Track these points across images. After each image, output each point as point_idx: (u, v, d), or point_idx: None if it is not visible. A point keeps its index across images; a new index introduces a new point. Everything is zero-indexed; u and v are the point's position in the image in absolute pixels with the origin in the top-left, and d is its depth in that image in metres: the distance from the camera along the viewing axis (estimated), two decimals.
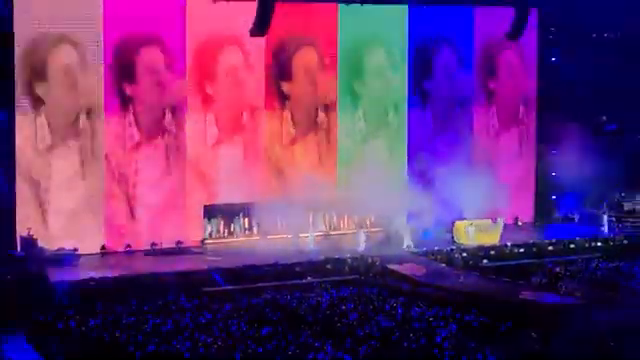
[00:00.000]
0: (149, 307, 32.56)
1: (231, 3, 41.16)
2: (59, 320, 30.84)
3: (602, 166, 44.76)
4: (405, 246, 41.36)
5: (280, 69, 43.11)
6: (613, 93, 50.80)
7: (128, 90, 40.44)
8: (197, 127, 41.85)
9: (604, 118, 54.86)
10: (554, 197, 48.19)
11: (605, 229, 45.08)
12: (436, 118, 46.61)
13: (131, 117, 40.60)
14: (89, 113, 39.82)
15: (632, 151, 49.95)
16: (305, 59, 43.57)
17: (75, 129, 39.70)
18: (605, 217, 45.63)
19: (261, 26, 41.16)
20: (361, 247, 40.79)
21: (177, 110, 41.40)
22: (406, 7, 45.14)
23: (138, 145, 40.82)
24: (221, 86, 42.21)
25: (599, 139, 49.95)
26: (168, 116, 41.20)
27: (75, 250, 38.81)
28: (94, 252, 39.72)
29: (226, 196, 42.32)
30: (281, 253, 39.22)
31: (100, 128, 40.04)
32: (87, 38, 39.51)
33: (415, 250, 41.01)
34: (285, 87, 43.35)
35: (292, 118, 43.67)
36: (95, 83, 39.74)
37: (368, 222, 44.37)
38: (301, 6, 42.90)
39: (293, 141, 43.79)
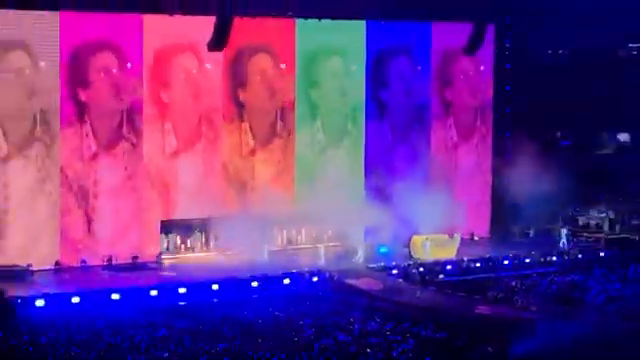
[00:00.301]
0: (104, 323, 32.31)
1: (189, 16, 41.06)
2: (13, 337, 30.52)
3: (557, 181, 45.08)
4: (360, 261, 41.36)
5: (236, 76, 43.11)
6: (568, 109, 51.27)
7: (83, 97, 40.21)
8: (154, 137, 41.71)
9: (559, 134, 55.33)
10: (510, 212, 48.42)
11: (564, 243, 45.37)
12: (394, 130, 46.75)
13: (88, 127, 40.37)
14: (44, 122, 39.52)
15: (586, 166, 50.37)
16: (260, 65, 43.56)
17: (31, 138, 39.43)
18: (564, 231, 45.94)
19: (219, 41, 41.11)
20: (321, 261, 40.77)
21: (133, 120, 41.21)
22: (364, 21, 45.36)
23: (94, 156, 40.58)
24: (177, 94, 42.10)
25: (554, 154, 50.36)
26: (125, 126, 40.99)
27: (29, 266, 38.45)
28: (48, 268, 39.36)
29: (184, 210, 42.17)
30: (238, 268, 39.08)
31: (56, 138, 39.81)
32: (43, 45, 39.33)
33: (372, 265, 41.04)
34: (241, 95, 43.32)
35: (250, 128, 43.64)
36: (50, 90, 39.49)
37: (325, 237, 44.35)
38: (259, 19, 42.90)
39: (252, 152, 43.72)
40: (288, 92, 44.14)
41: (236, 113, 43.26)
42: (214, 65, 42.48)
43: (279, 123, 44.15)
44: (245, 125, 43.48)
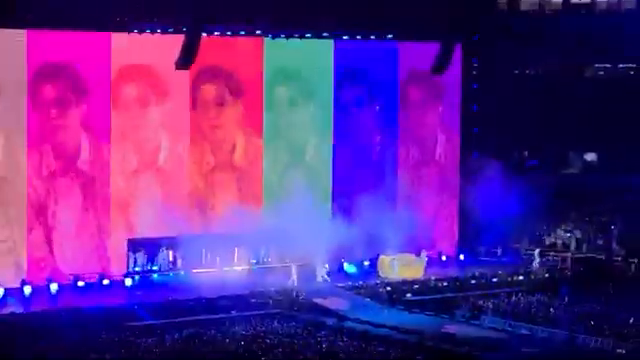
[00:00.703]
0: (71, 342, 32.10)
1: (157, 36, 41.02)
2: None
3: (524, 201, 45.29)
4: (321, 280, 41.26)
5: (196, 99, 43.09)
6: (535, 129, 51.53)
7: (47, 117, 40.10)
8: (117, 157, 41.61)
9: (526, 153, 55.61)
10: (477, 231, 48.58)
11: (537, 264, 45.54)
12: (360, 150, 46.81)
13: (49, 147, 40.20)
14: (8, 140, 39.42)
15: (553, 186, 50.59)
16: (219, 90, 43.59)
17: None
18: (537, 252, 46.10)
19: (186, 60, 41.05)
20: (293, 280, 40.70)
21: (97, 140, 41.11)
22: (332, 44, 45.44)
23: (55, 175, 40.42)
24: (139, 115, 42.04)
25: (521, 174, 50.58)
26: (87, 146, 40.89)
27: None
28: (14, 286, 39.09)
29: (149, 229, 42.06)
30: (205, 287, 38.97)
31: (22, 157, 39.62)
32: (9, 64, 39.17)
33: (340, 284, 41.01)
34: (203, 117, 43.31)
35: (211, 150, 43.60)
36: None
37: (291, 256, 44.21)
38: (228, 39, 42.92)
39: (213, 171, 43.69)
40: (250, 116, 44.12)
41: (200, 134, 43.17)
42: (179, 87, 42.42)
43: (240, 149, 44.04)
44: (207, 145, 43.39)
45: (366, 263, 43.70)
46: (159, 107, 42.33)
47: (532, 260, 45.82)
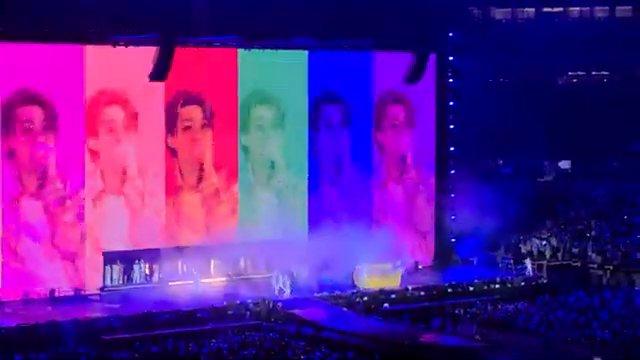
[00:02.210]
0: (47, 356, 31.95)
1: (131, 51, 40.89)
2: None
3: (499, 209, 45.44)
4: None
5: (169, 124, 43.05)
6: (509, 137, 51.78)
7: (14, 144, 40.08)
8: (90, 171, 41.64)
9: (500, 162, 55.85)
10: (453, 240, 48.70)
11: (529, 272, 45.68)
12: (336, 162, 46.85)
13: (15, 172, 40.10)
14: None
15: (528, 194, 50.80)
16: (191, 114, 43.54)
17: None
18: (528, 261, 46.25)
19: (160, 71, 40.97)
20: (286, 292, 40.73)
21: (70, 156, 41.11)
22: (305, 61, 45.43)
23: (30, 194, 40.36)
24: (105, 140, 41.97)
25: (496, 182, 50.77)
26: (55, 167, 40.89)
27: None
28: None
29: (125, 242, 41.97)
30: (182, 299, 38.87)
31: None
32: None
33: (317, 294, 40.99)
34: (171, 142, 43.29)
35: (180, 172, 43.57)
36: None
37: (265, 267, 44.16)
38: (202, 56, 42.86)
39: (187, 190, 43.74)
40: (225, 140, 44.13)
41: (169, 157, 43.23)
42: (154, 109, 42.51)
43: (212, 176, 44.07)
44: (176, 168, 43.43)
45: (342, 274, 43.58)
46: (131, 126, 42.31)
47: (525, 268, 45.87)
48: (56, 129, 40.64)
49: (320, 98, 46.26)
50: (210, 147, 43.95)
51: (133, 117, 42.16)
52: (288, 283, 41.26)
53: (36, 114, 40.28)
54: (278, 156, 45.59)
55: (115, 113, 41.91)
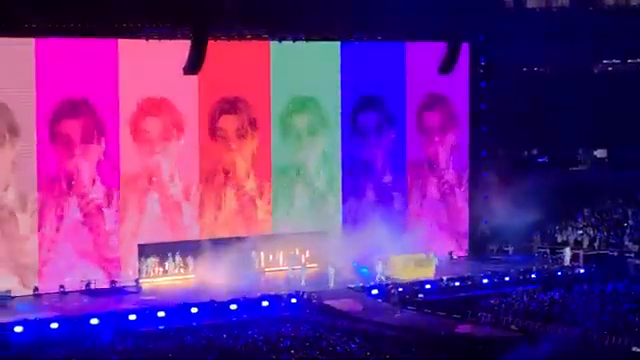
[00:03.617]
0: (83, 348, 32.10)
1: (164, 45, 40.97)
2: None
3: (534, 198, 45.18)
4: (331, 283, 41.20)
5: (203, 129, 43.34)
6: (544, 126, 51.45)
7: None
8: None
9: (535, 151, 55.50)
10: (488, 230, 48.45)
11: (567, 259, 45.45)
12: (370, 152, 46.77)
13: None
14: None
15: (564, 183, 50.51)
16: (227, 124, 43.76)
17: None
18: (567, 250, 46.00)
19: (194, 65, 40.93)
20: (301, 283, 40.67)
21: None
22: (338, 53, 45.37)
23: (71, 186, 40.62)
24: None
25: (531, 172, 50.49)
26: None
27: (8, 292, 38.25)
28: (27, 293, 39.15)
29: (161, 235, 42.14)
30: (217, 291, 38.96)
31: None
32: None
33: (351, 285, 40.95)
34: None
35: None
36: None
37: (303, 259, 44.27)
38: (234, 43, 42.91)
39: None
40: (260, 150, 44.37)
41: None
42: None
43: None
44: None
45: (377, 264, 43.50)
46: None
47: (562, 257, 45.63)
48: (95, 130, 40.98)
49: (354, 98, 46.13)
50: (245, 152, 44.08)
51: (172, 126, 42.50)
52: (331, 274, 41.26)
53: (76, 118, 40.60)
54: (313, 157, 45.53)
55: (152, 124, 42.16)
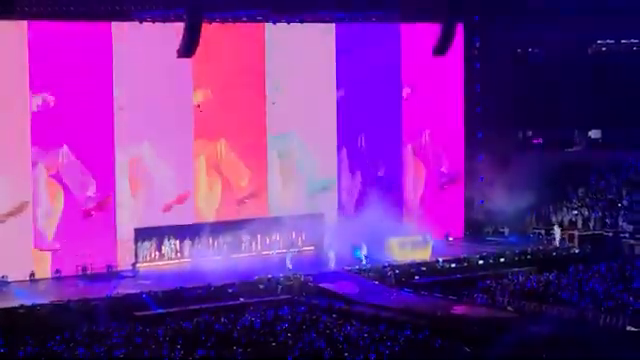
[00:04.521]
0: (80, 333, 32.13)
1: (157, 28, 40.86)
2: None
3: (529, 180, 45.21)
4: (332, 265, 41.24)
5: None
6: (538, 107, 51.40)
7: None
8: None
9: (530, 133, 55.49)
10: (483, 212, 48.50)
11: (559, 241, 45.51)
12: (366, 138, 46.75)
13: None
14: None
15: (558, 164, 50.53)
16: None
17: None
18: (557, 229, 46.04)
19: (188, 47, 40.80)
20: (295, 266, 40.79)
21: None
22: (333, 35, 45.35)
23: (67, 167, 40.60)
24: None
25: (526, 153, 50.50)
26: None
27: (4, 277, 38.26)
28: (23, 279, 39.15)
29: (156, 219, 42.14)
30: (213, 274, 38.99)
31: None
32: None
33: (347, 268, 41.00)
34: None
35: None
36: None
37: (299, 241, 44.33)
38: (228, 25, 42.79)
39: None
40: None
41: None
42: None
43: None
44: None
45: (373, 247, 43.56)
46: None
47: (553, 237, 45.72)
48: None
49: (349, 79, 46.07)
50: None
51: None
52: (332, 257, 41.29)
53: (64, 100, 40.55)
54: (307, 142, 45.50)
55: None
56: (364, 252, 42.27)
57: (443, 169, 48.48)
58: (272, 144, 44.52)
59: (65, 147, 40.47)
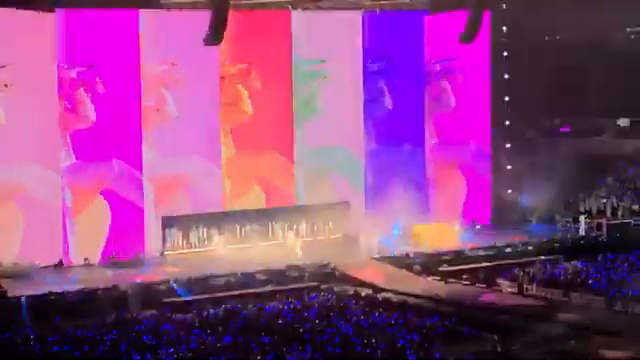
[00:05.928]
0: (109, 320, 32.30)
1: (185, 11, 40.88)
2: (17, 336, 30.46)
3: (557, 168, 45.02)
4: (361, 250, 41.30)
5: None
6: (566, 95, 51.21)
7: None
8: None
9: (558, 121, 55.31)
10: (511, 199, 48.35)
11: (584, 230, 45.39)
12: (394, 124, 46.66)
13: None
14: None
15: (586, 152, 50.32)
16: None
17: None
18: (582, 218, 45.89)
19: (215, 35, 40.83)
20: (323, 253, 40.76)
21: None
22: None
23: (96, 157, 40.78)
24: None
25: (554, 141, 50.30)
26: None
27: (33, 264, 38.52)
28: (51, 265, 39.41)
29: (185, 206, 42.27)
30: (241, 262, 39.04)
31: None
32: None
33: (375, 255, 41.01)
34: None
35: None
36: None
37: (327, 229, 44.40)
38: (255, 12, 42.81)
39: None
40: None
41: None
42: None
43: None
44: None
45: (401, 233, 43.55)
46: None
47: (578, 226, 45.56)
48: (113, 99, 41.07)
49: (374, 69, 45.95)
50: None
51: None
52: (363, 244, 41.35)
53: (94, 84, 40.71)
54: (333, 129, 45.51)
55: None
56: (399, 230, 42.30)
57: (470, 157, 48.37)
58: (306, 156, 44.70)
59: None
